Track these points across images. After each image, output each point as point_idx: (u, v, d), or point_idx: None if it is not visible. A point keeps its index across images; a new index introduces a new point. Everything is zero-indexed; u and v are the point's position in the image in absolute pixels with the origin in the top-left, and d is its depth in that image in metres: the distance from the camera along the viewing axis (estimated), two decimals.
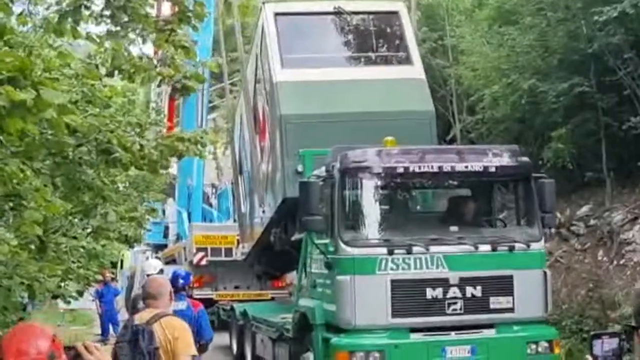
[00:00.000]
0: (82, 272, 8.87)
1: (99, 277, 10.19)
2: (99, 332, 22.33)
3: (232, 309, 16.53)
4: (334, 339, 9.60)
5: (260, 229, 14.43)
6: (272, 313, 13.83)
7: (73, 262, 8.46)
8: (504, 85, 17.91)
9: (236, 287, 22.06)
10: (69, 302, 9.27)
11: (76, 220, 8.64)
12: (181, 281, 9.90)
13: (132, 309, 10.80)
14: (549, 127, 17.44)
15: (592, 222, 16.69)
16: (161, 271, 13.00)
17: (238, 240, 20.53)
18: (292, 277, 19.49)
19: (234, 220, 24.00)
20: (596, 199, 17.33)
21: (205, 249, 21.76)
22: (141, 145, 5.87)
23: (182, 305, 9.51)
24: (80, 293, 8.74)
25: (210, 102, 32.79)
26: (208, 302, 20.23)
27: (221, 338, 15.91)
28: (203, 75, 6.67)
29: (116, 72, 5.31)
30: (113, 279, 25.39)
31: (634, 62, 15.52)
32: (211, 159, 36.03)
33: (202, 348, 9.18)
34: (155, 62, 5.27)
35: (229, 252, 21.76)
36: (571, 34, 17.11)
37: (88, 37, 5.31)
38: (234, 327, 16.46)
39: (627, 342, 2.17)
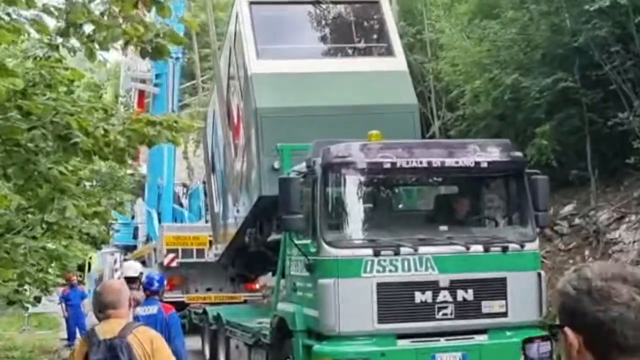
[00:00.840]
0: (41, 276, 8.10)
1: (60, 281, 9.40)
2: (65, 336, 21.56)
3: (205, 312, 15.80)
4: (316, 347, 8.96)
5: (234, 229, 13.75)
6: (248, 317, 13.16)
7: (32, 264, 7.74)
8: (485, 80, 17.42)
9: (208, 290, 21.43)
10: (26, 309, 8.47)
11: (32, 217, 7.95)
12: (156, 284, 9.52)
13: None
14: (532, 124, 16.97)
15: (576, 221, 16.25)
16: (141, 274, 12.40)
17: (210, 242, 19.90)
18: (265, 279, 18.85)
19: (206, 221, 23.32)
20: (580, 198, 16.89)
21: (176, 250, 21.05)
22: (105, 130, 5.14)
23: (152, 309, 9.28)
24: (38, 299, 7.97)
25: (180, 100, 32.00)
26: (179, 305, 19.53)
27: (193, 342, 15.19)
28: (181, 36, 5.93)
29: (72, 30, 4.59)
30: (80, 282, 24.59)
31: (620, 56, 15.08)
32: (182, 158, 35.24)
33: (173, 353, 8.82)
34: (120, 20, 4.57)
35: (200, 253, 21.13)
36: (555, 27, 16.69)
37: (45, 8, 4.61)
38: (206, 331, 15.73)
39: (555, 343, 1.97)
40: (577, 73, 16.08)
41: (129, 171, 23.75)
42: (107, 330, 4.68)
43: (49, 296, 9.36)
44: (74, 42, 5.69)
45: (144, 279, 10.01)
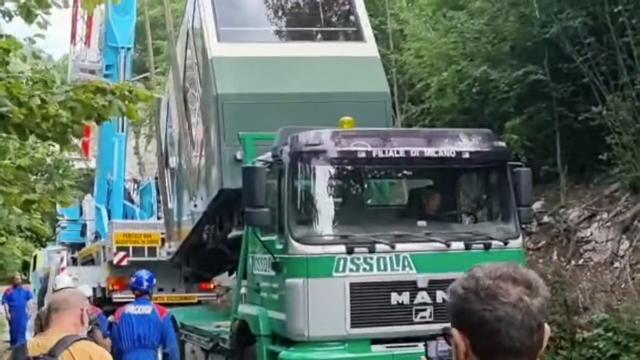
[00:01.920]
0: None
1: None
2: (8, 339, 20.44)
3: (173, 318, 14.83)
4: (283, 353, 8.18)
5: (190, 226, 12.86)
6: (204, 320, 12.34)
7: None
8: (452, 72, 16.76)
9: (160, 290, 20.31)
10: None
11: None
12: (145, 284, 9.51)
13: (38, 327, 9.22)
14: (499, 118, 16.38)
15: (545, 219, 15.70)
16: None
17: (163, 239, 18.99)
18: (220, 279, 18.01)
19: (158, 218, 22.36)
20: (549, 195, 16.36)
21: (126, 249, 20.04)
22: (43, 101, 4.24)
23: (146, 309, 9.31)
24: None
25: None
26: None
27: None
28: None
29: None
30: (25, 282, 23.43)
31: (592, 48, 14.53)
32: (133, 154, 34.12)
33: (165, 357, 9.33)
34: None
35: (152, 251, 20.16)
36: (524, 18, 16.09)
37: None
38: None
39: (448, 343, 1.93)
40: (547, 66, 15.50)
41: (75, 155, 22.60)
42: (40, 344, 3.82)
43: None
44: (9, 4, 4.82)
45: (132, 278, 9.79)
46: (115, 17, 23.21)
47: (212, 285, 20.13)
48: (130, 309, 9.43)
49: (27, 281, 24.85)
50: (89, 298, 11.99)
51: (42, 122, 4.34)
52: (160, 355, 9.55)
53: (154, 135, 36.12)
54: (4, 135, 4.56)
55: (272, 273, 8.59)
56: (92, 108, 4.49)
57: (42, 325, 8.24)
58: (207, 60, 10.70)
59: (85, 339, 3.90)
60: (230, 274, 15.39)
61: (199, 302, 19.47)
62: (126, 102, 4.58)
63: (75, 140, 5.04)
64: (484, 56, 16.66)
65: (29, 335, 11.55)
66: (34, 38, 5.50)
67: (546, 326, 1.90)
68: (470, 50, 16.95)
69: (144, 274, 9.72)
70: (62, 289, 11.97)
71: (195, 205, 11.79)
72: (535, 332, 1.85)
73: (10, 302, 20.19)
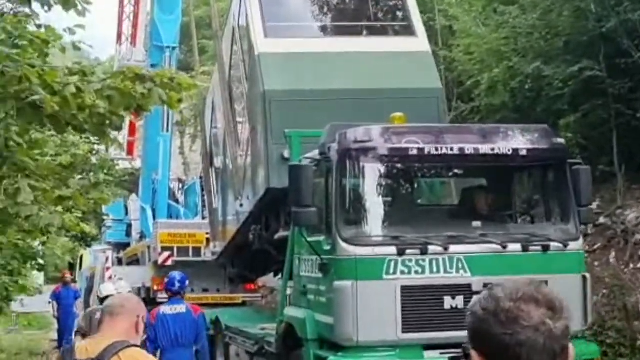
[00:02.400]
0: (0, 283, 6.87)
1: (39, 281, 8.20)
2: (55, 337, 20.46)
3: (204, 317, 14.62)
4: (331, 359, 7.83)
5: (236, 226, 12.60)
6: (250, 322, 12.06)
7: (2, 266, 6.58)
8: (503, 69, 16.26)
9: (205, 290, 20.33)
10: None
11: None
12: (177, 284, 9.68)
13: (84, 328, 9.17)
14: (553, 116, 15.83)
15: (601, 220, 15.11)
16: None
17: (207, 239, 18.85)
18: (265, 279, 17.76)
19: (203, 218, 22.24)
20: (605, 196, 15.76)
21: (171, 249, 19.93)
22: (78, 89, 3.95)
23: (180, 308, 9.52)
24: None
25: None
26: None
27: None
28: None
29: None
30: (73, 281, 23.46)
31: None
32: (178, 154, 34.12)
33: (197, 354, 9.54)
34: None
35: (197, 252, 20.05)
36: (578, 12, 15.52)
37: None
38: None
39: None
40: (603, 62, 14.93)
41: (118, 154, 22.47)
42: (88, 349, 3.55)
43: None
44: None
45: (165, 279, 10.08)
46: (160, 17, 23.17)
47: (256, 286, 19.94)
48: (165, 309, 9.62)
49: (74, 280, 24.87)
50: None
51: (78, 113, 4.06)
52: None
53: (199, 135, 36.07)
54: (39, 127, 4.28)
55: (320, 275, 8.27)
56: (131, 97, 4.18)
57: (89, 327, 8.07)
58: (253, 56, 10.44)
59: (136, 345, 3.61)
60: (275, 275, 15.12)
61: (243, 303, 19.29)
62: (167, 91, 4.28)
63: (114, 134, 4.78)
64: (536, 52, 16.13)
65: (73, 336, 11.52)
66: (74, 29, 5.23)
67: (571, 347, 1.81)
68: (522, 46, 16.44)
69: (176, 275, 9.99)
70: (108, 296, 11.91)
71: (242, 205, 11.53)
72: (558, 357, 1.78)
73: (59, 300, 20.17)
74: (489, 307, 1.82)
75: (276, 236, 10.06)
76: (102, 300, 11.66)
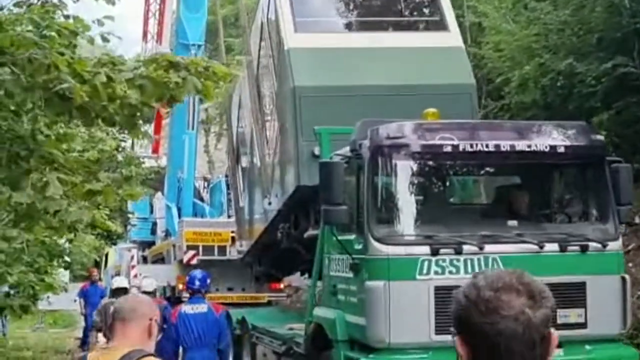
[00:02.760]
0: (27, 281, 6.71)
1: (65, 279, 8.08)
2: (80, 335, 20.43)
3: (228, 315, 14.47)
4: None
5: (263, 224, 12.42)
6: (277, 322, 11.87)
7: (29, 262, 6.43)
8: (535, 66, 15.97)
9: (229, 289, 20.25)
10: (19, 316, 7.06)
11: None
12: (197, 283, 9.57)
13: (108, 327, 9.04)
14: (585, 113, 15.49)
15: (636, 220, 14.78)
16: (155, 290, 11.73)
17: (233, 238, 18.74)
18: (290, 278, 17.59)
19: (229, 216, 22.14)
20: (638, 195, 15.41)
21: (196, 247, 19.85)
22: (109, 78, 3.77)
23: (202, 307, 9.43)
24: (26, 309, 6.60)
25: None
26: None
27: None
28: None
29: None
30: (99, 279, 23.46)
31: None
32: (203, 152, 34.08)
33: (220, 353, 9.39)
34: None
35: (222, 250, 19.96)
36: (612, 8, 15.20)
37: None
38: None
39: None
40: (637, 58, 14.62)
41: (143, 151, 22.33)
42: (100, 358, 3.34)
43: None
44: None
45: (186, 277, 10.03)
46: (186, 15, 23.08)
47: (282, 286, 19.79)
48: (186, 308, 9.56)
49: (100, 279, 24.87)
50: (152, 292, 11.81)
51: (109, 104, 3.88)
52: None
53: (224, 134, 36.05)
54: (67, 121, 4.10)
55: (350, 275, 8.08)
56: (164, 86, 3.99)
57: (104, 321, 7.94)
58: (283, 51, 10.26)
59: (152, 355, 3.39)
60: (302, 275, 14.95)
61: (269, 302, 19.17)
62: (202, 79, 4.08)
63: (145, 127, 4.61)
64: (568, 48, 15.83)
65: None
66: (102, 20, 5.07)
67: (554, 334, 1.83)
68: (553, 43, 16.14)
69: (197, 273, 9.92)
70: (119, 288, 11.76)
71: (270, 203, 11.35)
72: (537, 345, 1.79)
73: (86, 298, 20.14)
74: (470, 295, 1.83)
75: (306, 235, 9.88)
76: (113, 292, 11.59)
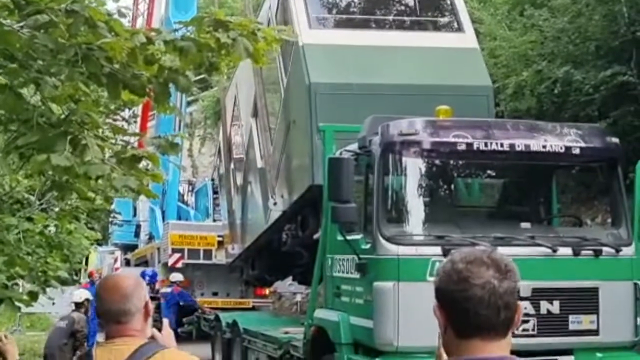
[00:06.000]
0: (39, 265, 6.43)
1: (64, 274, 7.77)
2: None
3: (217, 318, 14.16)
4: None
5: (262, 226, 12.08)
6: (270, 326, 11.56)
7: (28, 253, 6.17)
8: (532, 73, 15.82)
9: (214, 294, 19.99)
10: (18, 309, 6.72)
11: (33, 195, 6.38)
12: (147, 278, 8.85)
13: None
14: (580, 122, 15.38)
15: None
16: (87, 301, 11.36)
17: (219, 242, 18.44)
18: (276, 285, 17.33)
19: (214, 220, 21.83)
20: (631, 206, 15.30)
21: (181, 250, 19.54)
22: (148, 39, 3.42)
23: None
24: (35, 296, 6.29)
25: (191, 94, 30.33)
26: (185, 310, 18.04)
27: (201, 351, 13.48)
28: None
29: None
30: (78, 282, 22.98)
31: None
32: (187, 156, 33.69)
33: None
34: None
35: (208, 254, 19.70)
36: (610, 16, 15.10)
37: None
38: (218, 340, 14.10)
39: None
40: (634, 67, 14.51)
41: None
42: (109, 355, 2.99)
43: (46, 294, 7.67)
44: None
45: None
46: (175, 15, 22.80)
47: (267, 291, 19.56)
48: None
49: (78, 281, 24.39)
50: (81, 303, 11.46)
51: (145, 69, 3.54)
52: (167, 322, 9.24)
53: (209, 137, 35.68)
54: (98, 85, 3.76)
55: (356, 275, 7.81)
56: (208, 49, 3.65)
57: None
58: (297, 48, 9.98)
59: (170, 348, 3.03)
60: (293, 280, 14.68)
61: (252, 308, 18.90)
62: (252, 41, 3.74)
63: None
64: (564, 57, 15.69)
65: (99, 336, 11.09)
66: None
67: (519, 305, 2.08)
68: (550, 50, 16.00)
69: (148, 271, 10.00)
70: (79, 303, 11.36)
71: (275, 204, 11.00)
72: (502, 311, 2.03)
73: None
74: (446, 268, 2.09)
75: (315, 236, 9.55)
76: (77, 305, 11.24)
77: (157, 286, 19.21)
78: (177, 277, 18.05)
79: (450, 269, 2.08)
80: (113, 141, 4.11)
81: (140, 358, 2.90)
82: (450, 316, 2.09)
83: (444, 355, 2.21)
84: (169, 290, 17.52)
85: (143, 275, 9.64)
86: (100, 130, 3.87)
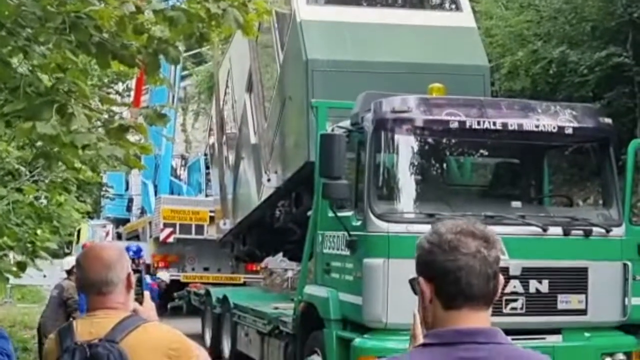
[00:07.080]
0: (27, 236, 6.39)
1: (53, 246, 7.73)
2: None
3: (208, 293, 14.19)
4: (357, 341, 7.40)
5: (255, 202, 12.06)
6: (260, 301, 11.58)
7: (17, 224, 6.13)
8: (527, 53, 15.76)
9: (205, 269, 20.00)
10: (6, 280, 6.68)
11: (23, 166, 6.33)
12: (130, 253, 8.84)
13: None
14: (575, 102, 15.37)
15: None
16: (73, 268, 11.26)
17: (212, 217, 18.40)
18: (267, 261, 17.34)
19: (206, 196, 21.79)
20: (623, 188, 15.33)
21: (173, 225, 19.51)
22: (138, 8, 3.39)
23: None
24: (23, 266, 6.25)
25: (185, 68, 30.16)
26: (176, 285, 18.05)
27: (191, 326, 13.50)
28: None
29: None
30: (68, 254, 22.97)
31: None
32: (180, 131, 33.60)
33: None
34: None
35: (199, 229, 19.67)
36: None
37: None
38: (208, 314, 14.13)
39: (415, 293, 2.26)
40: (630, 49, 14.46)
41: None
42: (92, 332, 2.94)
43: (36, 265, 7.61)
44: None
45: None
46: None
47: (258, 267, 19.56)
48: None
49: (69, 254, 24.40)
50: (70, 270, 11.40)
51: (135, 39, 3.51)
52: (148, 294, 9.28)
53: (202, 112, 35.59)
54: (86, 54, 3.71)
55: (347, 252, 7.81)
56: (198, 19, 3.61)
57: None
58: (295, 24, 9.91)
59: (153, 321, 3.00)
60: (284, 256, 14.69)
61: (244, 284, 18.92)
62: (242, 12, 3.70)
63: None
64: (560, 37, 15.64)
65: None
66: None
67: (500, 277, 2.11)
68: (546, 30, 15.94)
69: (132, 245, 9.79)
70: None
71: (269, 180, 10.98)
72: (491, 280, 2.08)
73: None
74: (433, 240, 2.11)
75: (309, 213, 9.54)
76: (68, 273, 11.16)
77: (147, 261, 19.25)
78: (163, 276, 18.05)
79: (439, 240, 2.09)
80: (103, 112, 4.04)
81: (122, 331, 2.85)
82: (439, 287, 2.10)
83: (420, 337, 2.27)
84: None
85: (127, 249, 9.57)
86: (90, 101, 3.82)
